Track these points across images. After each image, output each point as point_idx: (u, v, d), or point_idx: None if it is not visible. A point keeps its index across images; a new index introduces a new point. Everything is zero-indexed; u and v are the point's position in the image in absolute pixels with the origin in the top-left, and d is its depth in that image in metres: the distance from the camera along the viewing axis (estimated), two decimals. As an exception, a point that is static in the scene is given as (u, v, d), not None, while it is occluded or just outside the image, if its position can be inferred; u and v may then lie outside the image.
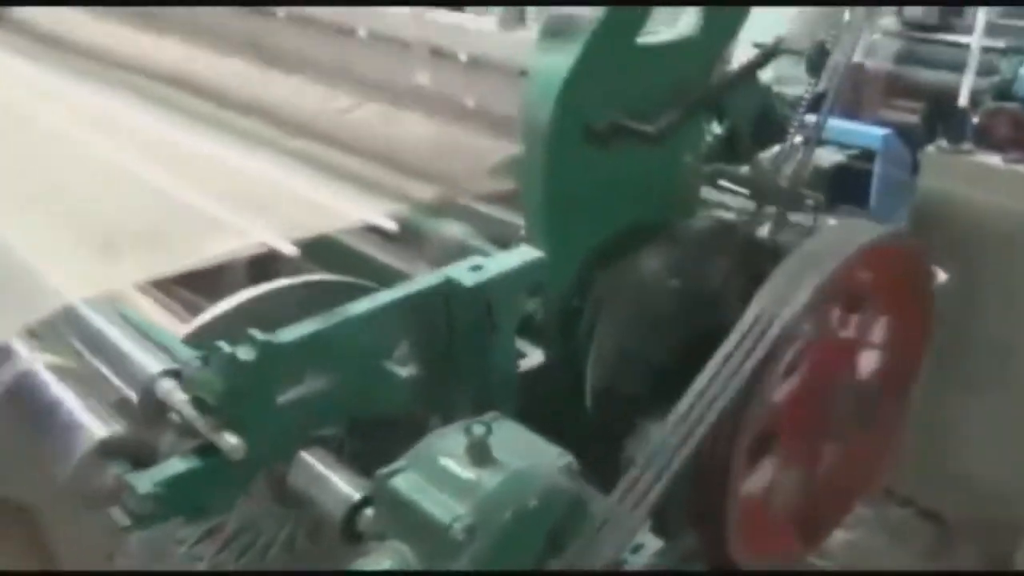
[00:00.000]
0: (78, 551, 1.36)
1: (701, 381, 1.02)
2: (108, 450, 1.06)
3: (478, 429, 0.97)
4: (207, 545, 1.31)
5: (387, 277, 1.34)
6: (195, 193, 1.60)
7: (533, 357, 1.36)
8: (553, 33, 1.22)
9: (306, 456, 1.13)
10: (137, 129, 2.04)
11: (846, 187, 1.70)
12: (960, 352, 1.62)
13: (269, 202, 1.60)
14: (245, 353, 1.03)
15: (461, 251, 1.42)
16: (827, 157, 1.70)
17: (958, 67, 2.31)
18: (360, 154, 1.82)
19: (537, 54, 1.24)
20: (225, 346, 1.03)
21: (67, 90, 2.32)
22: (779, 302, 1.05)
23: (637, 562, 1.08)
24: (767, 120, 1.63)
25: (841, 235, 1.22)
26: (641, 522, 1.02)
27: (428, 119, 1.88)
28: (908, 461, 1.51)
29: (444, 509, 0.93)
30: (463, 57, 1.82)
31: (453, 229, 1.55)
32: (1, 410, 1.18)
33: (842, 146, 1.75)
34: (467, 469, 0.97)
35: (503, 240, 1.43)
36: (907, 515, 1.85)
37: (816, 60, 1.36)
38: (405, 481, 0.98)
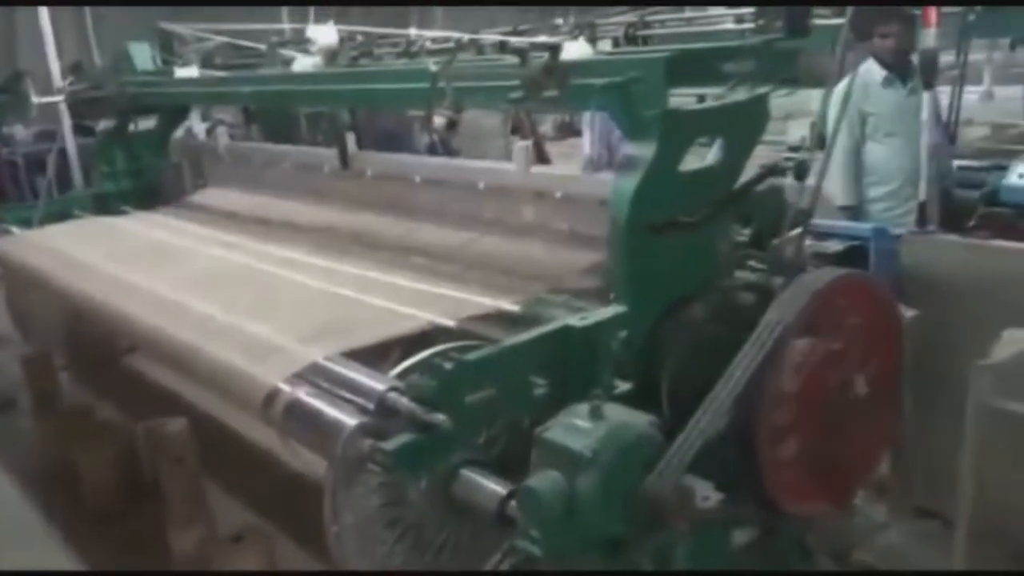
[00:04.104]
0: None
1: (733, 365, 1.62)
2: (362, 431, 1.70)
3: (595, 400, 1.58)
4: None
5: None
6: (374, 300, 2.33)
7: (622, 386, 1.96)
8: (626, 167, 1.90)
9: (465, 471, 1.68)
10: (315, 266, 2.83)
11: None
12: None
13: (424, 301, 2.31)
14: (448, 366, 1.68)
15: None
16: (833, 246, 2.33)
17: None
18: (485, 268, 2.54)
19: (616, 180, 1.92)
20: (439, 362, 1.68)
21: (258, 248, 3.15)
22: (782, 311, 1.67)
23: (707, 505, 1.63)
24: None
25: (821, 275, 1.85)
26: (691, 454, 1.57)
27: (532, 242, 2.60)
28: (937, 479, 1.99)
29: (577, 443, 1.52)
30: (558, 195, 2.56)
31: (559, 313, 2.19)
32: (287, 423, 1.85)
33: (843, 237, 2.38)
34: (588, 422, 1.57)
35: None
36: (935, 525, 2.31)
37: (799, 174, 2.01)
38: (552, 433, 1.57)
